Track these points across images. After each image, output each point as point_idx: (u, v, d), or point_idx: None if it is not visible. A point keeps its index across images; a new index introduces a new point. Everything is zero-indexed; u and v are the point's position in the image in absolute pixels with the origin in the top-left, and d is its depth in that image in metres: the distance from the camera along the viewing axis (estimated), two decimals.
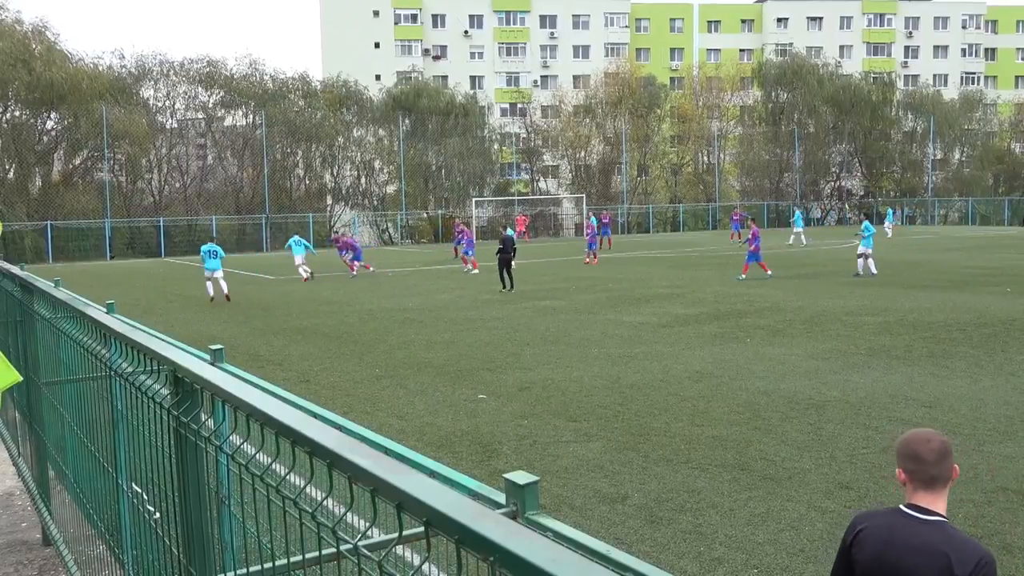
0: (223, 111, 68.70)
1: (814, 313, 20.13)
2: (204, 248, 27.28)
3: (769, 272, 28.34)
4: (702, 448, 9.56)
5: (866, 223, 29.32)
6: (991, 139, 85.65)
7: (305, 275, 31.98)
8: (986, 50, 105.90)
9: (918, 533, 3.20)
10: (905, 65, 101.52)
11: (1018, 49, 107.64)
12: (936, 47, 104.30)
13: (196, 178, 68.01)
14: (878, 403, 11.40)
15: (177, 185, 67.30)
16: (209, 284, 26.61)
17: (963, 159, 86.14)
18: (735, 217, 56.69)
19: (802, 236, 48.39)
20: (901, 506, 3.33)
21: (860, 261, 28.18)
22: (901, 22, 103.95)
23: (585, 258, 37.64)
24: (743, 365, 14.24)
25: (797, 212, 53.89)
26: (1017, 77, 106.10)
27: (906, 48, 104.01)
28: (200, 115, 68.35)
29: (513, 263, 27.16)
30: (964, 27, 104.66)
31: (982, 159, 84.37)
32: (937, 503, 3.28)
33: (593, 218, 45.30)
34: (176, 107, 67.43)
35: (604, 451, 9.57)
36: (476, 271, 33.28)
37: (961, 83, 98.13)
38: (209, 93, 67.19)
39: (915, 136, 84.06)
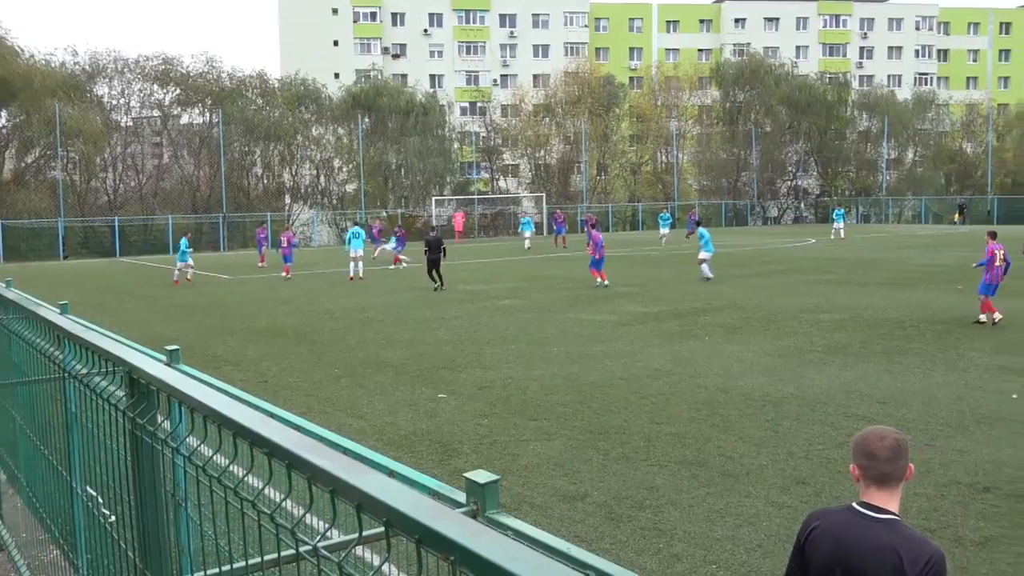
0: (179, 109, 67.88)
1: (771, 311, 20.33)
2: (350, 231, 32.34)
3: (606, 282, 26.18)
4: (661, 445, 9.62)
5: (700, 230, 29.06)
6: (943, 139, 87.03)
7: (352, 274, 31.22)
8: (938, 51, 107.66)
9: (870, 532, 3.23)
10: (860, 66, 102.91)
11: (969, 51, 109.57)
12: (890, 48, 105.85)
13: (152, 177, 67.12)
14: (834, 399, 11.54)
15: (132, 184, 66.40)
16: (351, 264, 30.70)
17: (916, 159, 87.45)
18: (692, 217, 57.58)
19: (842, 231, 51.73)
20: (854, 504, 3.35)
21: (704, 267, 27.66)
22: (856, 23, 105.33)
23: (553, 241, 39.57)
24: (701, 363, 14.35)
25: (838, 210, 56.36)
26: (968, 78, 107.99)
27: (861, 49, 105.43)
28: (156, 113, 67.49)
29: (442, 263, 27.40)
30: (917, 28, 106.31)
31: (934, 159, 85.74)
32: (890, 501, 3.30)
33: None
34: (131, 105, 66.56)
35: (564, 449, 9.59)
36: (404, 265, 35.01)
37: (914, 84, 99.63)
38: (165, 91, 66.38)
39: (869, 136, 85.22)
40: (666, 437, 9.94)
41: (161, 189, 66.42)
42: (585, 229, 43.12)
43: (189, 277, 31.71)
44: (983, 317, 17.68)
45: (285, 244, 33.16)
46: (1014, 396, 11.54)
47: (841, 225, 52.44)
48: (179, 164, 68.03)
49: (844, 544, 3.27)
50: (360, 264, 31.33)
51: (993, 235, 18.53)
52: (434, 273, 26.91)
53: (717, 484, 8.30)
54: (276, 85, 70.47)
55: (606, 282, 26.14)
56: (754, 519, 7.38)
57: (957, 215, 73.51)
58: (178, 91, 66.13)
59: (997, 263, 17.79)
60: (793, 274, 29.37)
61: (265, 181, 69.59)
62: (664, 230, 49.90)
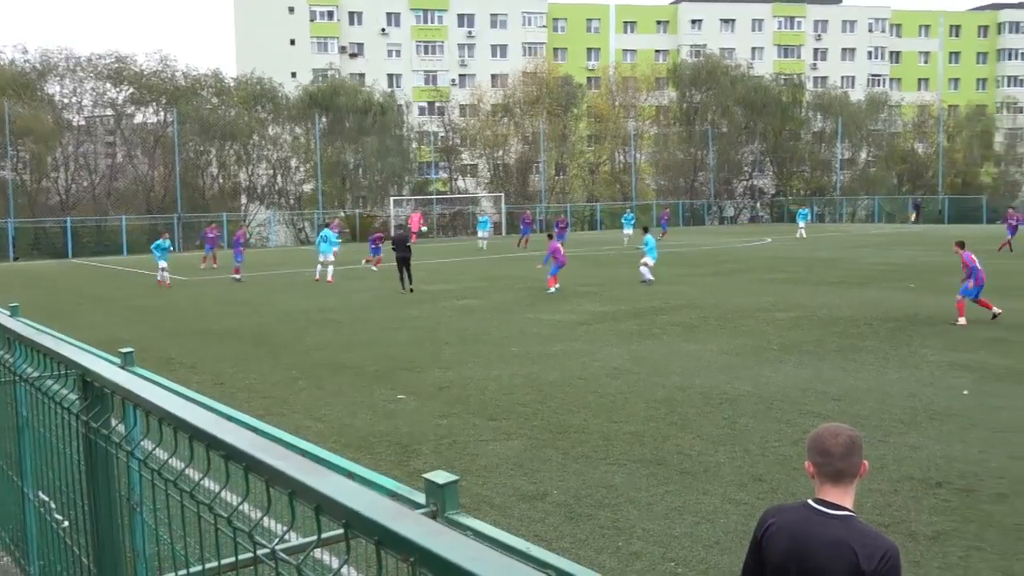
0: (133, 108, 66.86)
1: (728, 310, 20.52)
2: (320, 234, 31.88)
3: (551, 288, 25.23)
4: (620, 444, 9.67)
5: (647, 237, 28.08)
6: (895, 140, 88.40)
7: (318, 276, 30.43)
8: (891, 53, 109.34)
9: (826, 528, 3.26)
10: (814, 67, 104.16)
11: (921, 52, 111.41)
12: (843, 50, 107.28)
13: (105, 177, 66.10)
14: (789, 397, 11.68)
15: (85, 184, 65.34)
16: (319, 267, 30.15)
17: (869, 159, 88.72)
18: (664, 217, 58.29)
19: (803, 231, 52.00)
20: (810, 500, 3.38)
21: (643, 269, 27.19)
22: (810, 25, 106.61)
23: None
24: (659, 361, 14.44)
25: (802, 210, 56.89)
26: (920, 79, 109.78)
27: (815, 50, 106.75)
28: (109, 112, 66.44)
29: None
30: (870, 30, 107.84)
31: (887, 159, 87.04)
32: (844, 497, 3.33)
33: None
34: (83, 104, 65.44)
35: (523, 449, 9.61)
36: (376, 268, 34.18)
37: (867, 85, 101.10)
38: (118, 89, 65.35)
39: (824, 136, 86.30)
40: (625, 436, 9.99)
41: (114, 189, 65.43)
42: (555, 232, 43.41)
43: (163, 278, 30.30)
44: (962, 320, 17.93)
45: (238, 243, 32.72)
46: (965, 392, 11.75)
47: (803, 225, 52.85)
48: (133, 164, 67.06)
49: (800, 540, 3.30)
50: (330, 268, 30.29)
51: (962, 244, 18.87)
52: (404, 273, 26.11)
53: (675, 482, 8.36)
54: (232, 84, 69.78)
55: (552, 288, 24.92)
56: (712, 516, 7.45)
57: (913, 214, 74.70)
58: (131, 90, 65.16)
59: (979, 267, 18.19)
60: (749, 273, 29.66)
61: (221, 181, 68.87)
62: (627, 230, 49.70)
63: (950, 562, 6.45)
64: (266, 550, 1.57)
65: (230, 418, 2.83)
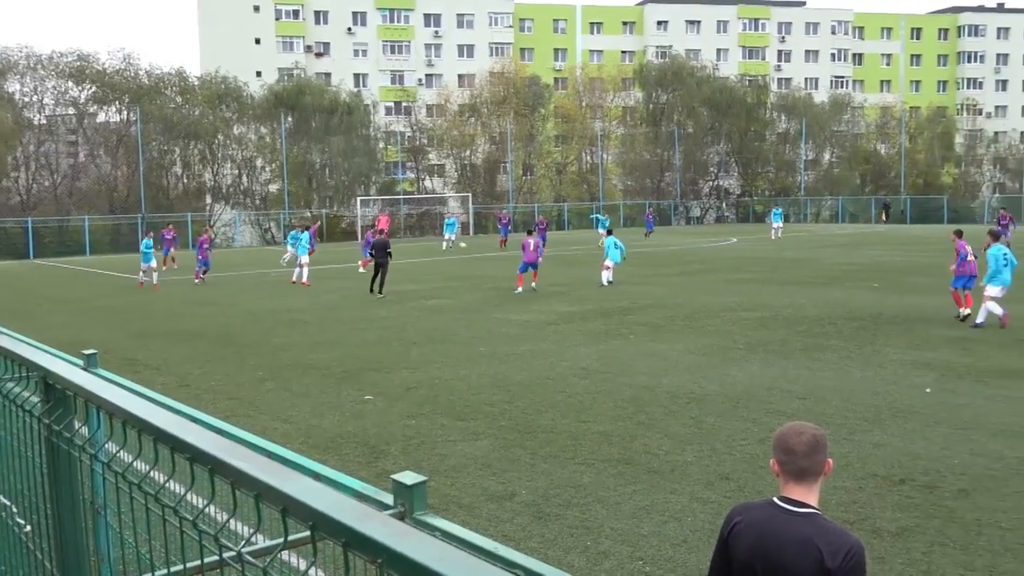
0: (95, 107, 66.10)
1: (694, 309, 20.64)
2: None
3: (519, 289, 25.26)
4: (588, 444, 9.70)
5: (609, 238, 27.65)
6: (859, 140, 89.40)
7: (295, 278, 29.80)
8: (854, 55, 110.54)
9: (791, 525, 3.28)
10: (778, 68, 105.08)
11: (883, 55, 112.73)
12: (807, 51, 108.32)
13: (67, 176, 65.30)
14: (755, 396, 11.77)
15: (47, 184, 64.49)
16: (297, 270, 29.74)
17: (833, 160, 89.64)
18: (649, 217, 58.45)
19: (779, 231, 51.77)
20: (775, 498, 3.41)
21: (605, 273, 27.09)
22: (774, 27, 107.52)
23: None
24: (627, 361, 14.50)
25: (776, 210, 56.73)
26: (882, 81, 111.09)
27: (779, 52, 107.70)
28: (71, 111, 65.66)
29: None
30: (833, 33, 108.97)
31: (850, 160, 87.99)
32: (809, 495, 3.35)
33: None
34: (44, 102, 64.63)
35: (492, 449, 9.61)
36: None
37: (831, 86, 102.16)
38: (80, 88, 64.58)
39: (788, 137, 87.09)
40: (593, 435, 10.02)
41: (77, 189, 64.65)
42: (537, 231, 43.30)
43: (145, 280, 29.68)
44: (963, 311, 18.15)
45: (202, 246, 32.03)
46: (927, 390, 11.91)
47: (778, 224, 52.75)
48: (95, 163, 66.28)
49: (765, 538, 3.32)
50: (305, 270, 29.75)
51: (960, 233, 19.21)
52: (379, 276, 25.59)
53: (643, 481, 8.40)
54: (196, 83, 69.16)
55: (519, 288, 25.10)
56: (679, 515, 7.49)
57: (883, 214, 75.54)
58: (94, 89, 64.41)
59: (969, 258, 18.45)
60: (716, 273, 29.86)
61: (185, 181, 68.26)
62: (602, 230, 49.08)
63: (914, 558, 6.53)
64: (232, 553, 1.55)
65: (195, 420, 2.80)
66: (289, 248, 37.45)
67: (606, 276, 26.94)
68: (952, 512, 7.41)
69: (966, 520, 7.23)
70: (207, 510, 1.62)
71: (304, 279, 29.53)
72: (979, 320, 17.40)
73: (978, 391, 11.85)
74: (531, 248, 25.47)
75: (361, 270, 33.20)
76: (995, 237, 18.61)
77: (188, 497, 1.72)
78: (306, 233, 31.89)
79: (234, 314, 22.20)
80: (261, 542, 1.72)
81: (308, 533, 1.33)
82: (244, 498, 1.50)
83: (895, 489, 8.01)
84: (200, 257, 31.60)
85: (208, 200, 68.76)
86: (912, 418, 10.47)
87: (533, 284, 25.53)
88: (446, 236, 50.39)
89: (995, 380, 12.50)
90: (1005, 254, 17.88)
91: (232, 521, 1.59)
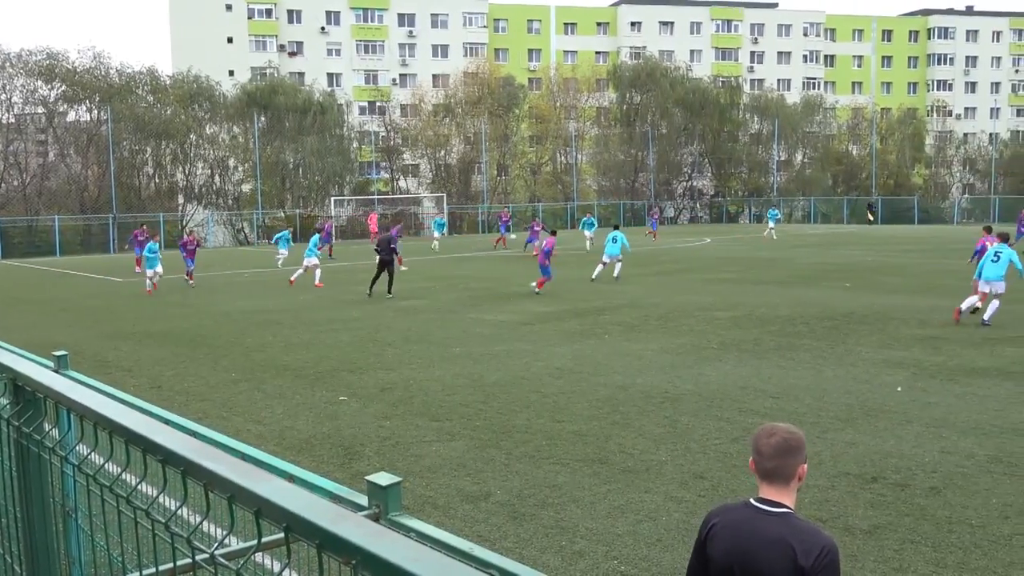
0: (65, 106, 65.49)
1: (669, 309, 20.72)
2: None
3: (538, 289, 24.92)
4: (563, 443, 9.71)
5: (616, 233, 28.44)
6: (830, 141, 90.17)
7: (293, 277, 29.00)
8: (825, 56, 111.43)
9: (766, 525, 3.28)
10: (751, 70, 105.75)
11: (854, 56, 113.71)
12: (780, 53, 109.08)
13: (36, 176, 64.63)
14: (729, 395, 11.83)
15: (15, 183, 63.82)
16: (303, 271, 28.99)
17: (805, 160, 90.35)
18: (654, 216, 58.28)
19: (773, 232, 50.88)
20: (752, 499, 3.41)
21: (599, 267, 27.83)
22: (747, 28, 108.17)
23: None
24: (601, 361, 14.53)
25: (772, 210, 56.39)
26: (854, 83, 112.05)
27: (752, 53, 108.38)
28: (40, 110, 65.00)
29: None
30: (805, 34, 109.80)
31: (822, 160, 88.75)
32: (783, 496, 3.35)
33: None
34: (13, 101, 63.92)
35: (467, 449, 9.60)
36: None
37: (803, 88, 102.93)
38: (50, 87, 63.94)
39: (761, 138, 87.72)
40: (568, 435, 10.03)
41: (46, 189, 64.01)
42: (534, 229, 42.99)
43: (155, 285, 27.92)
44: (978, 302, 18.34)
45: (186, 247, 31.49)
46: (899, 389, 12.01)
47: (773, 225, 51.86)
48: (66, 163, 65.68)
49: (741, 539, 3.33)
50: (317, 271, 29.01)
51: (988, 229, 19.58)
52: (384, 275, 25.00)
53: (618, 481, 8.42)
54: (167, 82, 68.64)
55: (538, 289, 24.71)
56: (654, 514, 7.51)
57: (869, 215, 76.18)
58: (64, 87, 63.81)
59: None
60: (690, 273, 30.00)
61: (157, 181, 67.75)
62: (588, 233, 44.44)
63: (886, 555, 6.59)
64: (205, 555, 1.54)
65: (167, 421, 2.78)
66: (281, 251, 36.71)
67: (617, 268, 27.85)
68: (923, 510, 7.48)
69: (937, 517, 7.30)
70: (180, 512, 1.61)
71: (316, 281, 28.72)
72: (986, 317, 17.66)
73: (948, 389, 11.97)
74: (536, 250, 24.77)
75: (403, 268, 31.77)
76: (1003, 238, 19.07)
77: (160, 499, 1.70)
78: (315, 236, 31.12)
79: (207, 315, 22.05)
80: (235, 544, 1.71)
81: (282, 535, 1.32)
82: (217, 500, 1.49)
83: (867, 487, 8.08)
84: (186, 257, 31.00)
85: (180, 200, 68.28)
86: (884, 417, 10.56)
87: (532, 284, 25.23)
88: (436, 236, 49.85)
89: (965, 379, 12.64)
90: (997, 252, 18.17)
91: (205, 523, 1.57)
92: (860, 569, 6.35)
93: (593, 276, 27.50)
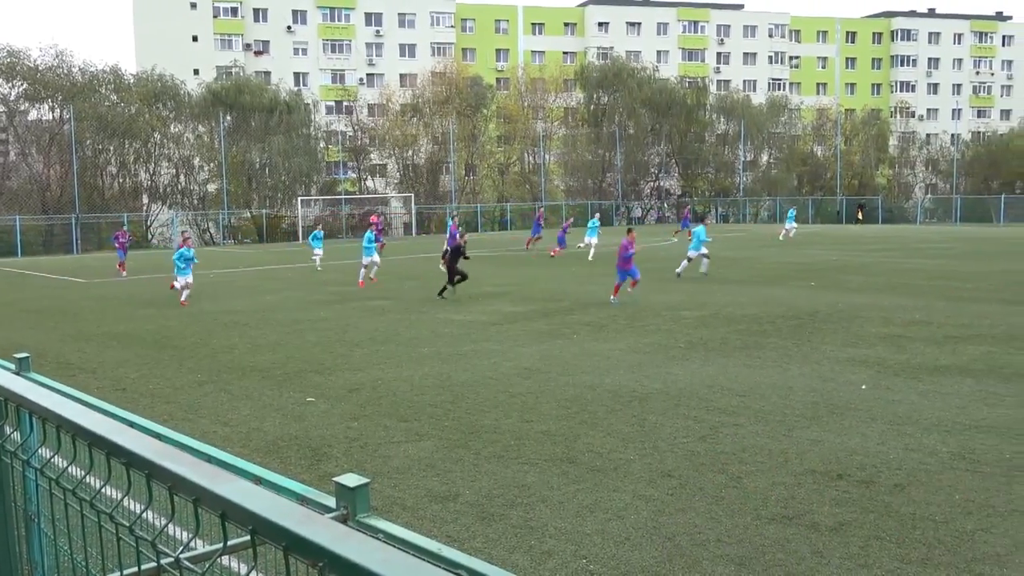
0: (26, 104, 64.56)
1: (636, 309, 20.81)
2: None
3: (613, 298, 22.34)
4: (532, 443, 9.72)
5: (698, 227, 29.47)
6: (795, 142, 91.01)
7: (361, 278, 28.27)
8: (790, 58, 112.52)
9: None
10: (717, 71, 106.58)
11: (819, 58, 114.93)
12: (746, 54, 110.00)
13: None
14: (696, 394, 11.90)
15: None
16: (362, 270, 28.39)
17: (771, 161, 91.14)
18: (686, 215, 57.44)
19: (792, 232, 50.38)
20: None
21: (704, 261, 28.45)
22: (713, 29, 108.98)
23: (551, 251, 38.86)
24: (570, 361, 14.57)
25: (791, 210, 55.69)
26: (818, 84, 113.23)
27: (718, 54, 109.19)
28: (0, 108, 64.07)
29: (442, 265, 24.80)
30: (771, 36, 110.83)
31: (787, 161, 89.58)
32: None
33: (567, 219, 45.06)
34: None
35: (435, 450, 9.58)
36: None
37: (768, 89, 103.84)
38: (11, 85, 63.01)
39: (727, 138, 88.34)
40: (536, 435, 10.05)
41: (7, 188, 63.11)
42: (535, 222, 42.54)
43: (185, 299, 24.34)
44: None
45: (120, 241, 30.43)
46: (863, 387, 12.14)
47: (792, 226, 50.79)
48: (27, 162, 64.75)
49: None
50: (374, 268, 28.66)
51: None
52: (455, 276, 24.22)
53: (586, 480, 8.44)
54: (131, 81, 67.91)
55: (614, 298, 22.15)
56: (622, 513, 7.54)
57: (859, 214, 76.92)
58: (25, 85, 62.92)
59: None
60: (657, 272, 30.10)
61: (121, 180, 67.01)
62: (591, 239, 38.77)
63: (851, 552, 6.65)
64: (170, 559, 1.53)
65: (131, 424, 2.75)
66: (316, 250, 35.02)
67: (592, 252, 28.84)
68: (888, 506, 7.57)
69: (901, 514, 7.39)
70: (144, 516, 1.59)
71: (371, 276, 28.50)
72: None
73: (912, 387, 12.12)
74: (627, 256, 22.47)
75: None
76: None
77: (125, 503, 1.68)
78: (368, 232, 30.30)
79: (172, 316, 21.84)
80: (200, 547, 1.70)
81: (248, 537, 1.31)
82: (183, 503, 1.47)
83: (833, 484, 8.15)
84: (119, 249, 29.70)
85: (145, 200, 67.60)
86: (849, 414, 10.67)
87: (630, 289, 22.73)
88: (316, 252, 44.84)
89: (928, 376, 12.80)
90: None
91: (170, 526, 1.56)
92: (826, 565, 6.41)
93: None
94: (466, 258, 24.85)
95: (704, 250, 28.60)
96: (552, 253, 38.23)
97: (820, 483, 8.19)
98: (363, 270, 28.72)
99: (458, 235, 26.11)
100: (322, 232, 36.77)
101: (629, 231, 23.47)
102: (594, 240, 37.69)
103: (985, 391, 11.80)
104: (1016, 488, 7.94)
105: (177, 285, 24.61)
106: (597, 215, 41.27)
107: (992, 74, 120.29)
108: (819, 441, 9.55)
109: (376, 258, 28.96)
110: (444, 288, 24.09)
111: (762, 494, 7.89)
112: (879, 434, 9.80)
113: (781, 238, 49.54)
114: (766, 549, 6.68)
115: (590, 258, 35.51)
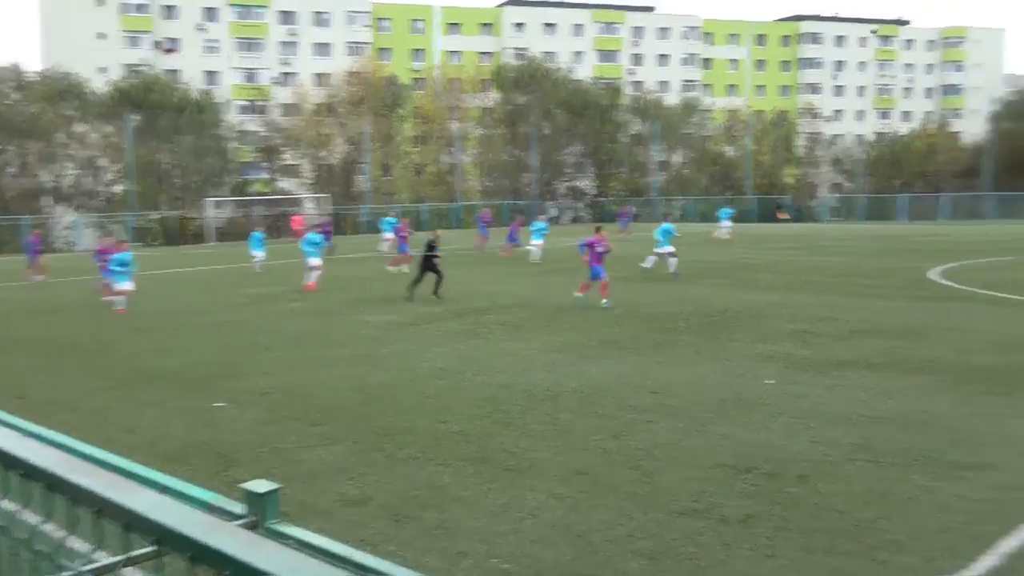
0: None
1: (552, 308, 20.96)
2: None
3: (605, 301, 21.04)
4: (446, 444, 9.73)
5: (666, 225, 29.48)
6: (707, 143, 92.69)
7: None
8: (703, 60, 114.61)
9: None
10: (632, 72, 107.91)
11: (730, 60, 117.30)
12: (659, 56, 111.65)
13: None
14: (610, 392, 12.06)
15: None
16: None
17: (684, 161, 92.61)
18: (624, 215, 57.35)
19: (725, 232, 48.15)
20: None
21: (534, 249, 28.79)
22: (628, 31, 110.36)
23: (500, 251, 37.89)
24: (485, 361, 14.61)
25: (725, 208, 53.03)
26: (729, 86, 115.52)
27: (632, 56, 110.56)
28: None
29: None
30: (684, 38, 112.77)
31: (699, 161, 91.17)
32: None
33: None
34: None
35: (349, 453, 9.52)
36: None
37: (681, 90, 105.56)
38: None
39: (641, 139, 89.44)
40: (451, 436, 10.06)
41: None
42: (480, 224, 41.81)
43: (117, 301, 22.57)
44: None
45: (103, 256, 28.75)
46: (771, 382, 12.46)
47: (727, 225, 48.67)
48: None
49: None
50: (316, 273, 26.65)
51: None
52: (423, 277, 23.45)
53: (501, 479, 8.48)
54: (34, 78, 65.73)
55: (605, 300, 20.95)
56: (536, 511, 7.60)
57: (783, 214, 78.38)
58: None
59: None
60: (573, 272, 30.29)
61: (21, 181, 64.77)
62: (537, 241, 36.46)
63: (759, 543, 6.83)
64: (70, 572, 1.51)
65: (30, 434, 2.69)
66: (256, 252, 33.77)
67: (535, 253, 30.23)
68: (794, 497, 7.79)
69: (806, 504, 7.61)
70: (43, 529, 1.57)
71: (310, 280, 26.54)
72: None
73: (817, 381, 12.48)
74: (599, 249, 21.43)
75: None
76: None
77: (22, 516, 1.66)
78: (315, 234, 28.82)
79: (76, 320, 21.22)
80: (103, 559, 1.68)
81: (153, 548, 1.31)
82: (84, 515, 1.46)
83: (741, 478, 8.35)
84: (101, 268, 27.45)
85: (49, 202, 65.48)
86: (757, 409, 10.94)
87: (604, 301, 20.90)
88: (386, 236, 41.38)
89: (832, 371, 13.19)
90: None
91: (71, 539, 1.54)
92: (734, 557, 6.57)
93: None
94: (435, 257, 23.89)
95: (670, 248, 28.55)
96: (503, 254, 37.64)
97: (729, 477, 8.39)
98: (314, 272, 26.87)
99: (409, 233, 25.57)
100: (261, 234, 34.84)
101: (598, 229, 23.45)
102: (540, 243, 36.22)
103: (886, 384, 12.22)
104: (914, 477, 8.25)
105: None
106: (544, 217, 40.12)
107: (894, 77, 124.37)
108: (729, 436, 9.77)
109: (319, 262, 27.33)
110: (436, 288, 23.19)
111: (673, 489, 8.04)
112: (785, 428, 10.07)
113: (715, 235, 47.90)
114: (677, 543, 6.81)
115: (532, 260, 34.64)
